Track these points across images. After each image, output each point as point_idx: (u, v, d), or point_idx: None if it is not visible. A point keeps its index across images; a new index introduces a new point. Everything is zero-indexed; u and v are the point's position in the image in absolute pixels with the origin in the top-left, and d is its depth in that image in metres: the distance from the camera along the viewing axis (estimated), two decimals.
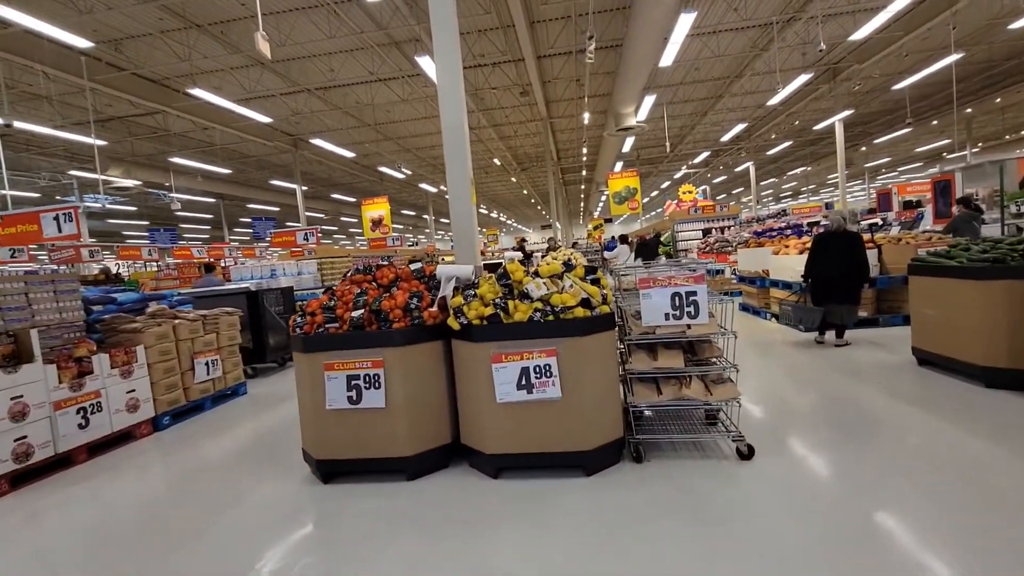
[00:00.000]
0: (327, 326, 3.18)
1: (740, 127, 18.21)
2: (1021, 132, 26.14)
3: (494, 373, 2.93)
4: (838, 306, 5.77)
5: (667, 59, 10.86)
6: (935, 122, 21.51)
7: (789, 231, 10.11)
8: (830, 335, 6.13)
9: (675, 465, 3.07)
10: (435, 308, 3.27)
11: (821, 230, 6.83)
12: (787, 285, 7.00)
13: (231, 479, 3.53)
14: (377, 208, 18.11)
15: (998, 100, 18.34)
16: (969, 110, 19.72)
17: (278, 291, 7.08)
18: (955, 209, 10.49)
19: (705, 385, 3.14)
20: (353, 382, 3.07)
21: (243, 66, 12.94)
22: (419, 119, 18.49)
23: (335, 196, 29.16)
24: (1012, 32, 13.62)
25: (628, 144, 19.33)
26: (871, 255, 6.46)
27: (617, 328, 3.29)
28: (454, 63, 4.91)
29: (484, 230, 42.04)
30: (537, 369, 2.89)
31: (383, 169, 21.23)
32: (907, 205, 13.10)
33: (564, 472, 3.07)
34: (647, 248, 13.01)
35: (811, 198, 40.72)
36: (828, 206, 18.27)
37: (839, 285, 5.75)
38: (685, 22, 9.17)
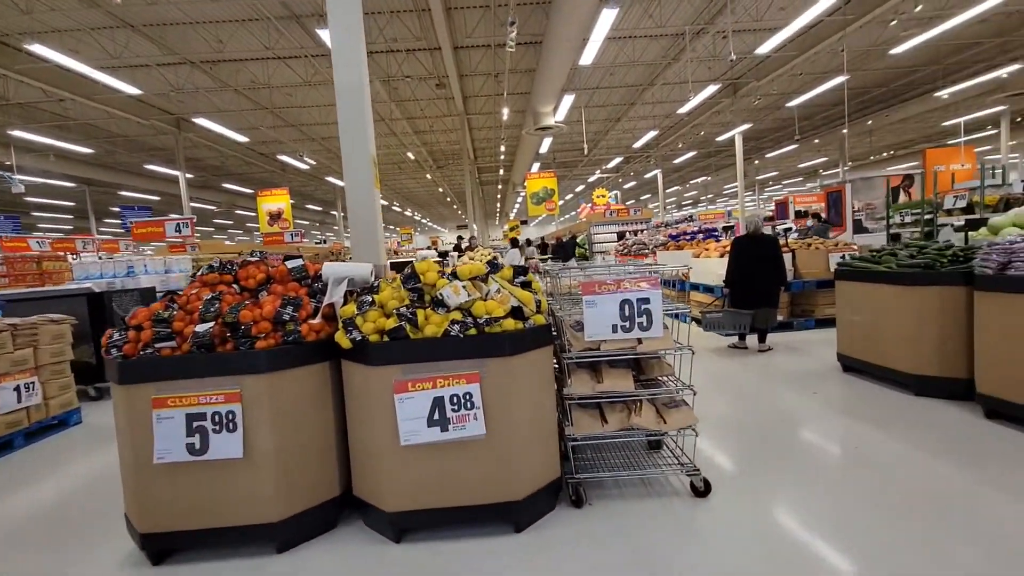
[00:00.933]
0: (158, 345, 2.26)
1: (651, 134, 18.68)
2: (883, 154, 29.48)
3: (397, 406, 2.20)
4: (762, 310, 5.64)
5: (587, 57, 10.60)
6: (816, 140, 23.55)
7: (703, 235, 10.21)
8: (752, 340, 6.01)
9: (622, 510, 2.51)
10: (318, 319, 2.46)
11: (739, 234, 6.78)
12: (708, 289, 6.87)
13: (21, 559, 2.47)
14: (276, 200, 16.40)
15: (869, 123, 20.36)
16: (845, 131, 21.75)
17: (135, 293, 5.76)
18: (809, 221, 11.31)
19: (657, 410, 2.61)
20: (196, 424, 2.18)
21: (106, 27, 10.95)
22: (325, 106, 17.00)
23: (228, 186, 26.36)
24: (891, 59, 15.00)
25: (546, 145, 19.14)
26: (785, 259, 6.48)
27: (554, 344, 2.69)
28: (353, 11, 4.05)
29: (397, 228, 40.46)
30: (455, 399, 2.20)
31: (284, 158, 19.36)
32: (798, 214, 13.93)
33: (489, 529, 2.40)
34: (563, 250, 12.72)
35: (709, 207, 43.46)
36: (729, 214, 19.23)
37: (761, 289, 5.63)
38: (607, 18, 8.90)
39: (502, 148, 20.64)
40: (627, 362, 2.67)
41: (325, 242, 36.13)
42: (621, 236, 16.29)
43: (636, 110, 19.88)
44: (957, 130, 24.19)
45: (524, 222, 45.31)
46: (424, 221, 51.38)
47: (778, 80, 16.96)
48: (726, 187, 39.29)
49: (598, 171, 28.35)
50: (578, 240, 18.60)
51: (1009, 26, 14.47)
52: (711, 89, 13.32)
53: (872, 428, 3.39)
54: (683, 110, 15.36)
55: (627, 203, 38.53)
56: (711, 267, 6.75)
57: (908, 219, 8.92)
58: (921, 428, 3.33)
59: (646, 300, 2.36)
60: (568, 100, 13.51)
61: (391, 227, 47.51)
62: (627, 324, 2.35)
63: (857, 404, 3.90)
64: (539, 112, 14.80)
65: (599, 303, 2.35)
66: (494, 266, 2.71)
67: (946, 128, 24.51)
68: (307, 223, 41.76)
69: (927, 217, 8.55)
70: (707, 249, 7.10)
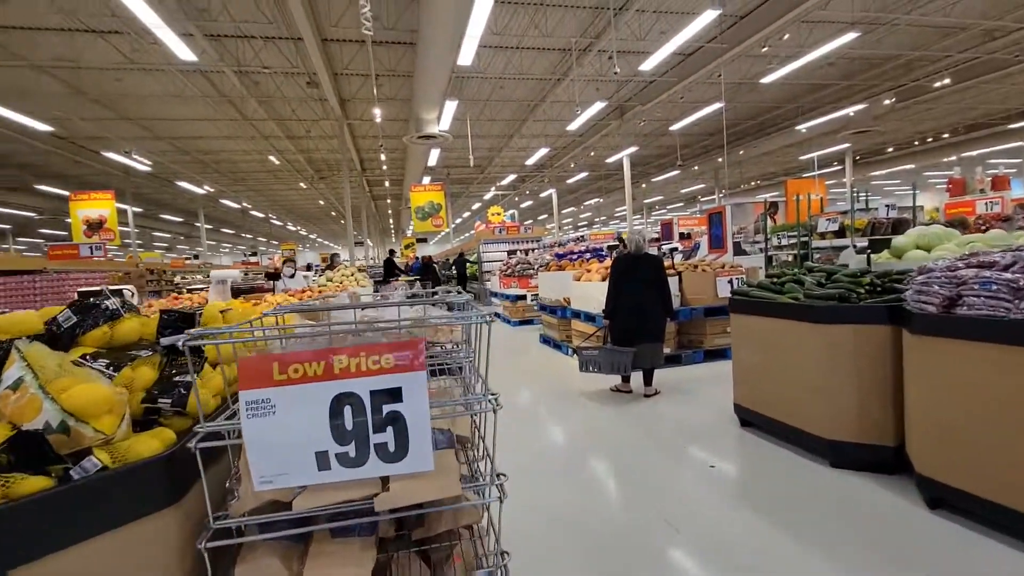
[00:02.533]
0: None
1: (544, 151, 18.12)
2: (751, 183, 31.86)
3: None
4: (647, 346, 4.65)
5: (465, 57, 9.49)
6: (696, 168, 24.66)
7: (589, 255, 9.38)
8: (635, 381, 5.01)
9: None
10: None
11: (619, 252, 5.88)
12: (590, 317, 5.86)
13: None
14: (96, 205, 13.36)
15: (741, 152, 21.60)
16: (721, 159, 22.95)
17: None
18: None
19: None
20: None
21: None
22: (167, 97, 14.33)
23: (46, 188, 21.59)
24: (761, 90, 15.63)
25: (434, 157, 17.83)
26: (671, 284, 5.68)
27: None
28: None
29: (279, 243, 36.75)
30: None
31: (112, 156, 16.04)
32: (682, 236, 13.84)
33: None
34: (429, 272, 11.37)
35: (602, 228, 44.74)
36: (618, 236, 19.15)
37: (646, 319, 4.65)
38: (482, 11, 7.83)
39: (382, 157, 18.95)
40: (368, 527, 1.27)
41: (197, 257, 31.44)
42: (512, 255, 15.33)
43: (528, 127, 19.29)
44: (810, 165, 26.73)
45: (422, 240, 43.51)
46: (313, 237, 47.56)
47: (662, 106, 17.18)
48: (617, 209, 40.58)
49: (493, 188, 27.55)
50: (468, 259, 17.39)
51: (852, 70, 15.77)
52: (598, 106, 12.90)
53: (783, 534, 2.35)
54: (572, 127, 14.85)
55: (525, 223, 38.34)
56: (592, 292, 5.75)
57: (784, 241, 8.75)
58: (847, 530, 2.36)
59: (394, 394, 1.05)
60: (451, 107, 12.33)
61: (271, 241, 43.28)
62: (351, 451, 1.03)
63: (761, 484, 2.91)
64: (422, 119, 13.46)
65: (280, 405, 1.00)
66: (77, 322, 1.23)
67: (802, 163, 26.90)
68: (169, 235, 36.54)
69: (803, 239, 8.39)
70: (588, 271, 6.13)
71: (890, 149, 24.79)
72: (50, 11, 9.58)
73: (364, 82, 14.44)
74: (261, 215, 31.22)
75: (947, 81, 14.63)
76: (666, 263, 5.93)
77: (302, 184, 24.78)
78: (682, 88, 15.01)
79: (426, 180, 21.39)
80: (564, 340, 6.89)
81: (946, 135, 22.81)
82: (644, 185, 29.24)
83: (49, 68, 12.13)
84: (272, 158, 19.08)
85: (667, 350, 5.71)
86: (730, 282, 5.72)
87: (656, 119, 19.17)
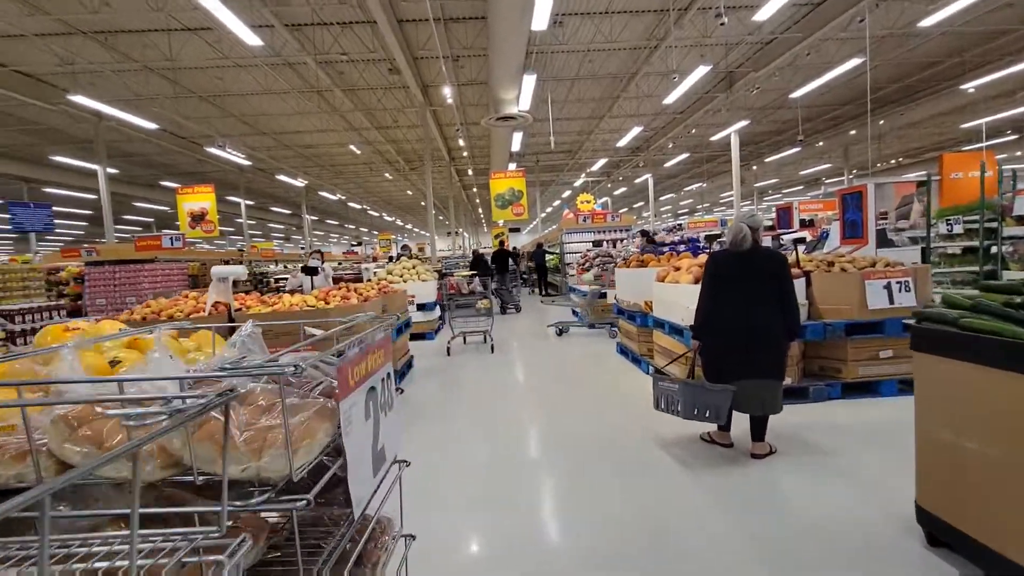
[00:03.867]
0: None
1: (636, 131, 16.29)
2: (891, 162, 27.02)
3: None
4: (755, 383, 3.18)
5: (540, 19, 8.22)
6: (820, 144, 21.14)
7: (683, 247, 7.74)
8: (738, 427, 3.52)
9: None
10: None
11: (719, 246, 4.34)
12: (677, 330, 4.41)
13: None
14: (199, 198, 13.99)
15: (882, 122, 17.97)
16: (853, 132, 19.36)
17: None
18: (637, 242, 8.82)
19: None
20: None
21: None
22: (262, 93, 14.66)
23: (168, 184, 23.64)
24: (915, 42, 12.60)
25: (518, 142, 16.72)
26: (797, 288, 4.05)
27: None
28: None
29: (377, 234, 38.08)
30: None
31: (213, 151, 16.89)
32: (802, 223, 11.48)
33: None
34: (481, 265, 10.30)
35: (704, 216, 41.06)
36: (723, 222, 16.77)
37: (754, 346, 3.15)
38: None
39: (461, 143, 18.21)
40: None
41: (308, 246, 33.45)
42: (597, 244, 13.88)
43: (620, 106, 17.50)
44: (970, 137, 21.82)
45: (515, 230, 42.89)
46: (408, 227, 48.99)
47: (780, 71, 14.58)
48: (723, 195, 36.86)
49: (583, 175, 25.93)
50: (549, 250, 16.16)
51: None
52: (701, 71, 10.96)
53: None
54: (669, 99, 12.96)
55: (620, 211, 36.17)
56: (680, 297, 4.29)
57: (957, 229, 6.48)
58: None
59: None
60: (530, 83, 11.11)
61: (372, 231, 45.11)
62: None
63: None
64: (500, 99, 12.41)
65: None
66: None
67: (958, 135, 22.09)
68: (282, 227, 39.28)
69: (987, 225, 6.11)
70: (677, 268, 4.65)
71: None
72: (148, 9, 9.81)
73: (445, 63, 13.70)
74: (358, 206, 32.32)
75: None
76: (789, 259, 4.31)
77: (387, 175, 24.95)
78: (808, 45, 12.46)
79: (512, 167, 20.40)
80: (644, 356, 5.47)
81: None
82: (755, 167, 25.90)
83: (158, 69, 12.75)
84: (353, 147, 19.11)
85: (788, 380, 4.11)
86: (886, 287, 3.96)
87: (772, 88, 16.43)
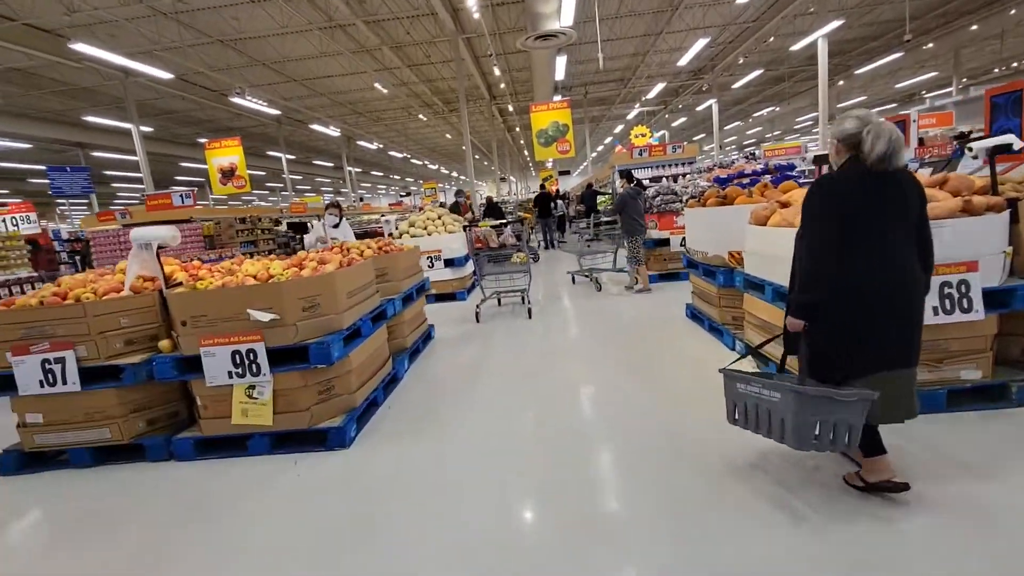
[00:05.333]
0: None
1: (702, 43, 13.77)
2: (1005, 67, 22.46)
3: None
4: (908, 375, 1.97)
5: None
6: (930, 45, 17.48)
7: (771, 178, 6.01)
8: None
9: None
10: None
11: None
12: (782, 295, 2.96)
13: None
14: (226, 153, 13.25)
15: (1013, 12, 14.33)
16: (974, 27, 15.72)
17: None
18: (619, 184, 6.74)
19: None
20: None
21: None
22: (283, 33, 13.40)
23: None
24: None
25: (561, 68, 14.70)
26: (984, 224, 2.44)
27: None
28: None
29: (422, 182, 37.01)
30: None
31: (239, 101, 15.83)
32: (921, 143, 9.26)
33: None
34: (495, 210, 8.91)
35: (782, 142, 36.96)
36: (805, 148, 14.28)
37: (918, 317, 2.02)
38: None
39: (496, 72, 16.31)
40: None
41: (362, 200, 32.87)
42: (657, 180, 12.07)
43: (682, 18, 14.92)
44: None
45: (565, 172, 40.47)
46: (454, 175, 47.52)
47: None
48: (798, 121, 32.77)
49: (638, 105, 23.32)
50: (600, 191, 14.42)
51: None
52: None
53: None
54: None
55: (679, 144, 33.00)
56: (790, 247, 2.81)
57: None
58: None
59: None
60: None
61: (419, 180, 44.04)
62: None
63: None
64: (538, 14, 10.53)
65: None
66: None
67: None
68: (329, 180, 38.90)
69: None
70: (785, 205, 3.13)
71: None
72: None
73: None
74: (399, 155, 31.17)
75: None
76: (959, 180, 2.68)
77: (422, 117, 23.38)
78: None
79: (557, 99, 18.37)
80: (728, 325, 4.04)
81: None
82: (842, 82, 22.26)
83: (168, 13, 11.73)
84: (379, 85, 17.57)
85: (976, 372, 2.61)
86: None
87: None
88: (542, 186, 15.50)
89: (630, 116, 25.98)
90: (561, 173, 33.44)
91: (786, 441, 2.02)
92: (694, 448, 2.61)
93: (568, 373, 4.00)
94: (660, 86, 19.40)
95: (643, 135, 20.10)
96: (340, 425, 3.01)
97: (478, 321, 5.87)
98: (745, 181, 6.25)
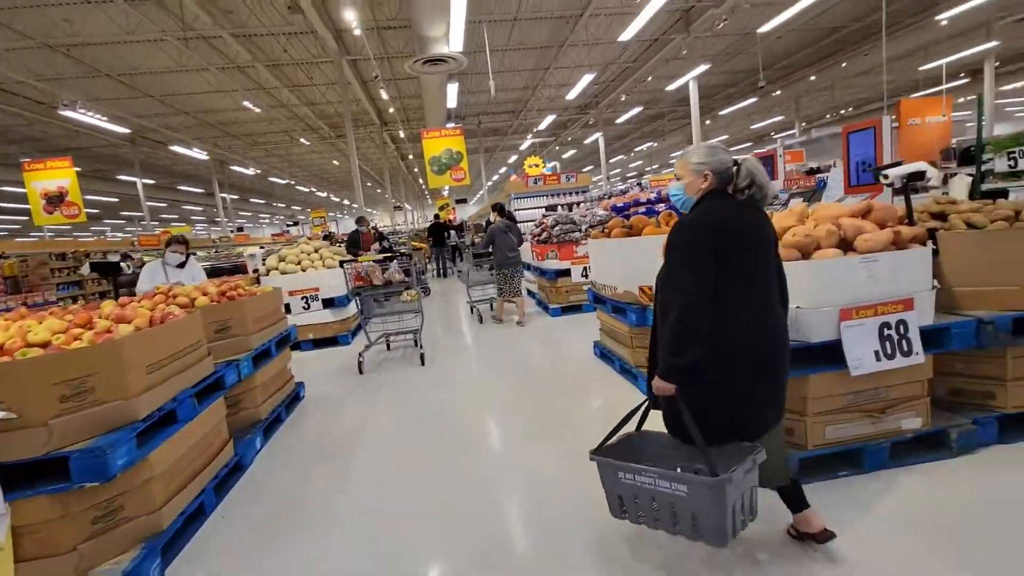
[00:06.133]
0: None
1: (588, 77, 14.24)
2: (841, 111, 26.32)
3: None
4: (780, 431, 1.83)
5: None
6: (778, 92, 19.84)
7: (664, 205, 5.93)
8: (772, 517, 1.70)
9: None
10: None
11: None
12: None
13: None
14: (53, 175, 10.97)
15: (844, 64, 16.68)
16: (812, 77, 18.09)
17: None
18: (492, 217, 7.29)
19: None
20: None
21: None
22: (128, 41, 11.54)
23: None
24: None
25: (453, 95, 14.35)
26: (916, 258, 2.22)
27: None
28: None
29: (310, 211, 34.63)
30: None
31: (73, 115, 13.10)
32: (810, 172, 10.12)
33: None
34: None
35: (663, 173, 39.96)
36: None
37: (788, 366, 1.85)
38: None
39: (384, 95, 15.64)
40: None
41: (241, 229, 29.46)
42: (552, 209, 11.99)
43: (568, 55, 15.37)
44: (917, 86, 21.13)
45: (462, 200, 40.13)
46: (346, 203, 45.34)
47: (739, 11, 12.86)
48: (673, 155, 35.73)
49: (530, 136, 23.79)
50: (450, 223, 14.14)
51: None
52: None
53: None
54: (626, 35, 11.00)
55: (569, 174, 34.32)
56: None
57: (1012, 164, 4.93)
58: None
59: None
60: (460, 8, 8.80)
61: (306, 209, 41.26)
62: None
63: None
64: (425, 37, 10.03)
65: None
66: None
67: (908, 83, 21.38)
68: (196, 208, 34.96)
69: None
70: None
71: None
72: None
73: None
74: (282, 181, 28.87)
75: None
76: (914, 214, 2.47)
77: (303, 140, 21.85)
78: None
79: (450, 126, 18.01)
80: (643, 368, 3.63)
81: None
82: (708, 122, 24.53)
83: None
84: (249, 104, 16.01)
85: (917, 420, 2.34)
86: None
87: (728, 33, 14.74)
88: (436, 216, 14.92)
89: (523, 147, 26.48)
90: (458, 201, 33.05)
91: (704, 540, 1.56)
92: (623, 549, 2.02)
93: (468, 440, 3.28)
94: (550, 118, 19.90)
95: (536, 165, 20.41)
96: (129, 570, 2.01)
97: (361, 372, 4.95)
98: (641, 209, 6.09)
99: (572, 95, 16.14)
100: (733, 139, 31.72)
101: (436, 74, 11.50)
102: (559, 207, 12.37)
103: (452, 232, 14.28)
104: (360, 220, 8.48)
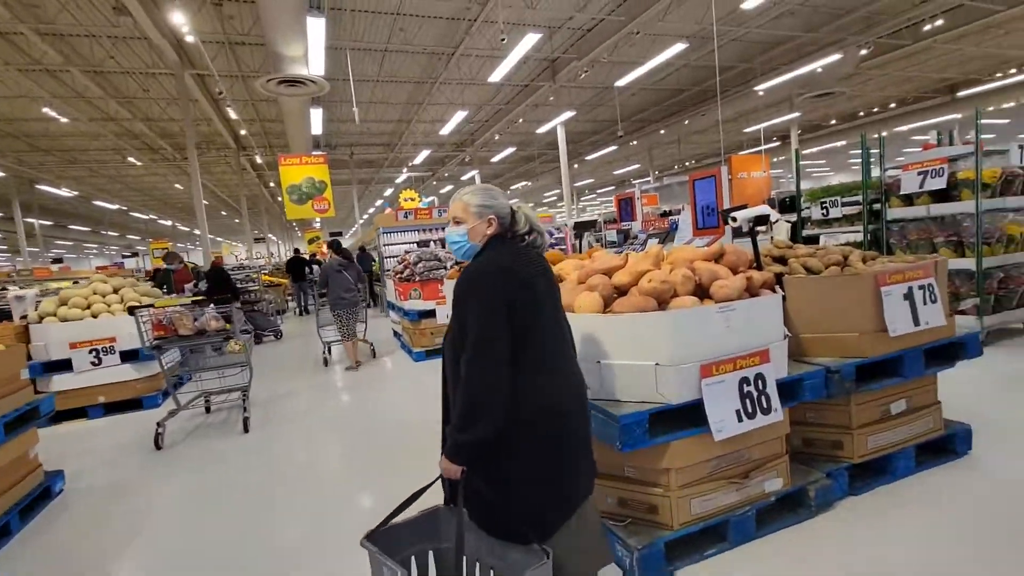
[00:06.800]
0: None
1: (461, 115, 14.23)
2: (686, 163, 29.74)
3: None
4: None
5: None
6: (635, 142, 21.77)
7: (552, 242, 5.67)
8: None
9: None
10: None
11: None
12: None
13: None
14: None
15: (687, 122, 18.84)
16: (663, 131, 20.16)
17: None
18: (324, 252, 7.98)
19: None
20: None
21: None
22: None
23: None
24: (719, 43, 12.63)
25: (317, 121, 13.38)
26: (769, 306, 2.09)
27: None
28: None
29: (150, 241, 30.12)
30: None
31: None
32: (663, 214, 10.75)
33: None
34: (223, 280, 7.42)
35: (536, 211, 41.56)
36: (560, 223, 15.69)
37: (588, 421, 1.66)
38: None
39: (232, 114, 14.21)
40: None
41: (60, 260, 24.22)
42: (424, 244, 11.49)
43: (442, 92, 15.31)
44: (742, 144, 24.78)
45: (337, 233, 37.82)
46: (197, 233, 40.34)
47: (601, 66, 13.90)
48: (546, 195, 37.59)
49: (405, 169, 23.29)
50: (371, 252, 13.27)
51: (817, 20, 13.21)
52: (531, 39, 9.30)
53: None
54: (496, 75, 11.15)
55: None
56: (578, 332, 2.06)
57: (835, 212, 5.55)
58: None
59: None
60: (318, 29, 8.13)
61: (147, 239, 35.92)
62: None
63: None
64: (281, 55, 9.12)
65: None
66: None
67: (734, 143, 24.87)
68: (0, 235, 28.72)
69: (872, 207, 5.21)
70: (560, 279, 2.45)
71: (832, 122, 23.27)
72: None
73: (201, 6, 9.84)
74: (112, 206, 24.80)
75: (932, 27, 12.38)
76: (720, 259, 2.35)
77: (133, 160, 19.12)
78: (626, 36, 11.71)
79: (316, 153, 16.80)
80: None
81: (876, 108, 21.49)
82: (576, 165, 26.13)
83: None
84: (50, 111, 13.55)
85: (778, 480, 2.16)
86: (907, 296, 2.27)
87: (589, 85, 15.86)
88: (296, 250, 13.58)
89: (399, 180, 25.82)
90: (332, 234, 31.05)
91: None
92: None
93: (279, 547, 2.52)
94: (425, 153, 19.63)
95: (412, 199, 19.88)
96: None
97: (159, 447, 3.86)
98: None
99: (446, 131, 16.04)
100: (599, 182, 34.25)
101: (294, 96, 10.54)
102: (431, 242, 11.91)
103: (315, 267, 13.07)
104: (169, 257, 7.18)
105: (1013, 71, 17.00)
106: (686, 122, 18.25)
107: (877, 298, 2.23)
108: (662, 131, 19.45)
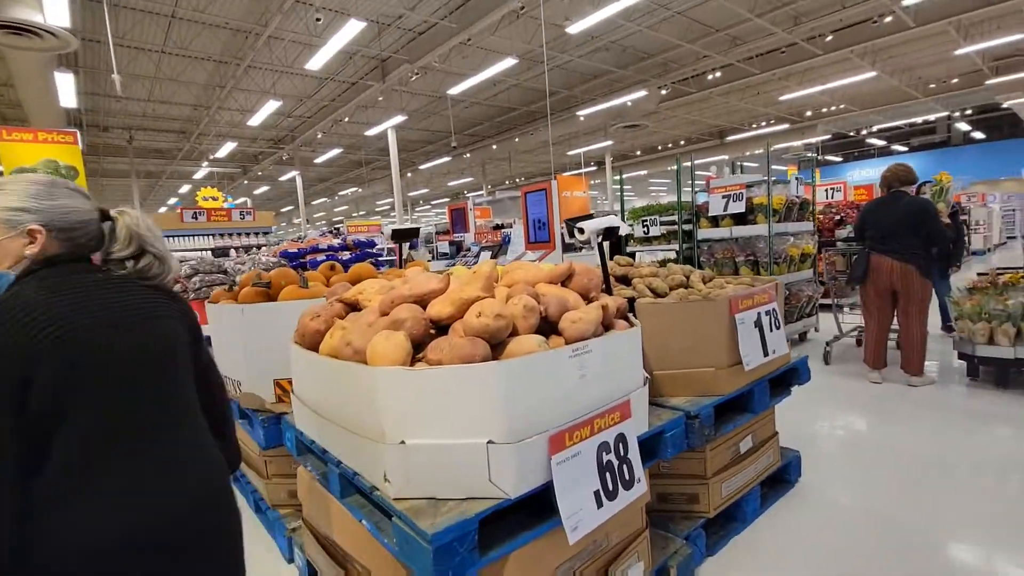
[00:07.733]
0: None
1: (275, 105, 12.35)
2: (517, 179, 30.94)
3: None
4: None
5: None
6: (468, 155, 21.77)
7: (349, 254, 4.81)
8: None
9: None
10: None
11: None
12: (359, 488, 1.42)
13: None
14: None
15: (517, 140, 19.37)
16: (495, 147, 20.47)
17: None
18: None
19: None
20: None
21: None
22: None
23: None
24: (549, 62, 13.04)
25: (69, 92, 10.27)
26: (628, 343, 1.64)
27: None
28: None
29: None
30: None
31: None
32: (496, 227, 10.43)
33: None
34: None
35: (370, 219, 39.31)
36: (389, 231, 14.65)
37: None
38: None
39: None
40: None
41: None
42: (223, 253, 9.54)
43: (253, 78, 13.20)
44: (566, 167, 26.73)
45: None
46: None
47: (433, 73, 13.42)
48: (379, 203, 35.82)
49: (206, 164, 19.83)
50: None
51: (626, 59, 14.62)
52: (354, 28, 8.28)
53: None
54: (313, 65, 9.82)
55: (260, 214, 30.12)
56: (374, 392, 1.32)
57: (655, 231, 5.74)
58: None
59: None
60: None
61: None
62: None
63: None
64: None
65: None
66: None
67: (559, 164, 26.70)
68: None
69: (685, 227, 5.47)
70: (352, 306, 1.68)
71: (638, 153, 26.27)
72: None
73: None
74: None
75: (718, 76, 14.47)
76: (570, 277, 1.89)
77: None
78: (458, 46, 11.42)
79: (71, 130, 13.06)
80: (284, 511, 2.27)
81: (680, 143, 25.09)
82: (410, 175, 25.25)
83: None
84: None
85: (640, 564, 1.69)
86: (757, 324, 2.03)
87: (425, 92, 15.31)
88: None
89: (197, 175, 21.91)
90: None
91: None
92: None
93: None
94: (231, 146, 16.82)
95: (215, 198, 16.82)
96: None
97: None
98: (320, 258, 4.80)
99: (255, 122, 13.86)
100: (433, 193, 33.75)
101: (23, 50, 7.80)
102: (233, 249, 9.98)
103: None
104: None
105: (763, 123, 21.17)
106: (516, 140, 18.78)
107: (732, 326, 1.94)
108: (494, 146, 19.75)
